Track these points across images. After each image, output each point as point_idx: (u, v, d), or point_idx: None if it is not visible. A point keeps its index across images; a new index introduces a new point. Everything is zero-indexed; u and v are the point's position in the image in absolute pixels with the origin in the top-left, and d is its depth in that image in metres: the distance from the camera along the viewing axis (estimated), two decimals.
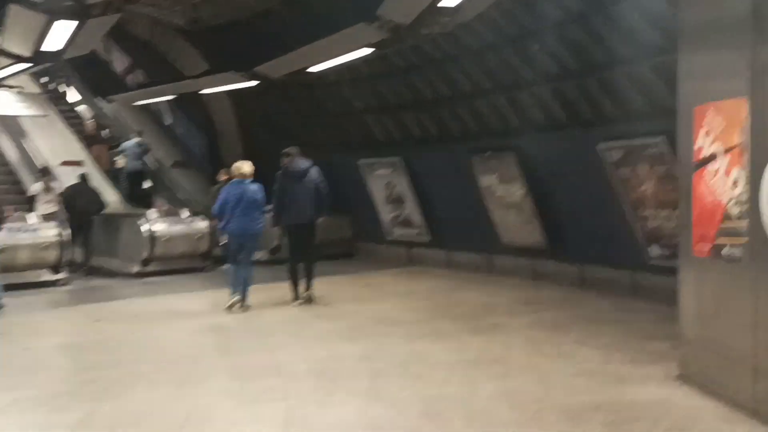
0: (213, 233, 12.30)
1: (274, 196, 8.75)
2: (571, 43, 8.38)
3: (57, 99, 18.30)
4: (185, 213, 12.45)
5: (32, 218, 10.76)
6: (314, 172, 8.88)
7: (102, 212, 12.58)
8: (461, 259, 12.17)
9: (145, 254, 11.64)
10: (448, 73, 10.49)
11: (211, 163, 16.68)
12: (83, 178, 12.82)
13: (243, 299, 8.48)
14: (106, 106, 17.22)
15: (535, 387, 5.26)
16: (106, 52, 16.75)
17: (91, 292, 10.47)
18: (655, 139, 8.04)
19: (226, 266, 9.29)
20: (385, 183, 13.08)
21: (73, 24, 7.69)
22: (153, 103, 18.30)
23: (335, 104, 12.97)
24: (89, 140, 16.43)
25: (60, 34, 8.10)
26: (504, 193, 10.67)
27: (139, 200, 14.79)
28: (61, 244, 10.64)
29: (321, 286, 10.40)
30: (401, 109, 11.80)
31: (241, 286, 8.46)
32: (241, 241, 8.44)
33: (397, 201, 13.05)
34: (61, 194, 12.32)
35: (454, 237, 12.22)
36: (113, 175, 15.46)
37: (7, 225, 10.05)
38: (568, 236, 10.10)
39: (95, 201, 12.45)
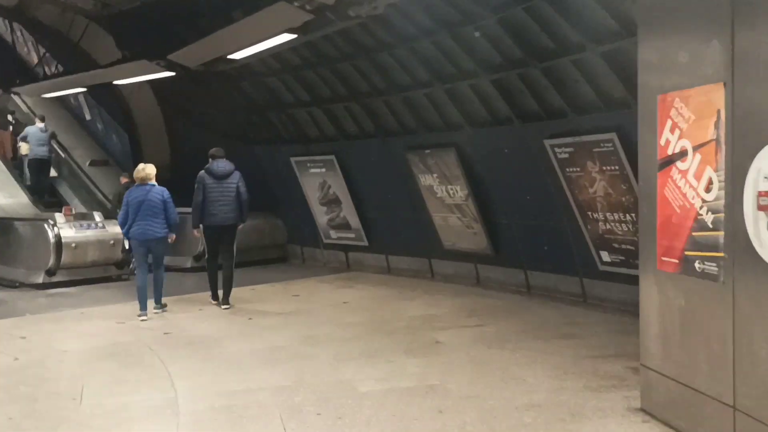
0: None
1: (195, 196, 8.67)
2: (513, 29, 7.64)
3: None
4: (98, 217, 11.27)
5: None
6: (236, 176, 8.83)
7: None
8: (401, 265, 11.38)
9: (50, 263, 10.45)
10: (381, 62, 9.64)
11: (132, 161, 15.48)
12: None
13: (157, 303, 8.51)
14: (14, 100, 15.81)
15: (476, 427, 4.46)
16: (18, 42, 15.36)
17: None
18: (606, 136, 7.38)
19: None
20: (319, 182, 12.16)
21: None
22: (71, 97, 17.05)
23: (263, 97, 11.99)
24: None
25: None
26: (445, 194, 9.90)
27: (43, 192, 14.11)
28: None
29: (245, 295, 9.53)
30: (333, 102, 10.90)
31: (154, 298, 8.40)
32: (146, 246, 8.27)
33: (332, 202, 12.16)
34: None
35: (393, 241, 11.42)
36: (18, 164, 14.39)
37: None
38: (514, 240, 9.40)
39: None
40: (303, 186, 12.45)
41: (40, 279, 10.52)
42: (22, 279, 10.77)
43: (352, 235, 12.12)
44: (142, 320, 8.03)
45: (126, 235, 8.40)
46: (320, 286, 10.49)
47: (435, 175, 9.89)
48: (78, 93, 16.47)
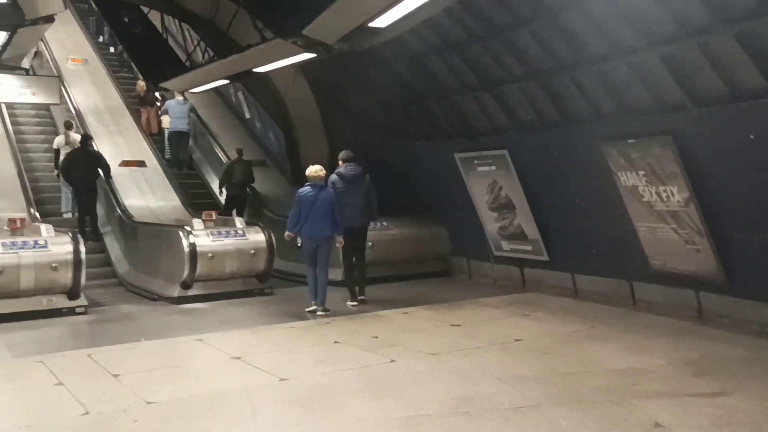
0: (272, 247, 9.90)
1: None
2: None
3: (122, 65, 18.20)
4: (239, 223, 10.08)
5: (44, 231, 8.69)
6: (366, 178, 9.08)
7: (104, 177, 11.98)
8: (591, 287, 9.02)
9: (185, 274, 9.37)
10: (569, 27, 7.41)
11: (289, 160, 14.40)
12: (84, 142, 11.91)
13: (321, 304, 8.49)
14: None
15: None
16: (173, 34, 14.95)
17: (108, 325, 8.25)
18: None
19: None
20: (488, 183, 10.12)
21: None
22: (232, 95, 16.42)
23: (421, 82, 10.15)
24: (139, 101, 15.72)
25: None
26: (655, 198, 7.45)
27: (182, 165, 14.52)
28: (75, 264, 8.50)
29: (393, 321, 7.77)
30: (505, 83, 8.81)
31: (320, 291, 8.49)
32: (315, 244, 8.44)
33: (504, 207, 10.06)
34: (59, 166, 11.89)
35: (582, 256, 9.08)
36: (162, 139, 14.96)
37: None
38: (755, 263, 6.76)
39: (93, 167, 11.69)
40: (469, 187, 10.47)
41: (175, 292, 9.48)
42: (159, 291, 9.83)
43: (529, 248, 9.93)
44: (313, 309, 8.45)
45: (297, 232, 8.41)
46: (487, 313, 8.43)
47: (641, 173, 7.47)
48: (238, 90, 15.89)
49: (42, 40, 17.00)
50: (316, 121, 13.81)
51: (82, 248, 8.58)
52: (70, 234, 8.71)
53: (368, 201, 8.91)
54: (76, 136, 12.48)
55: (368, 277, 10.27)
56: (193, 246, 9.34)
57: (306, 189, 8.45)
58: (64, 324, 8.16)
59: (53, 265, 8.35)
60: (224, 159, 14.42)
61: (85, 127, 13.98)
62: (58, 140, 12.72)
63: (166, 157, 14.62)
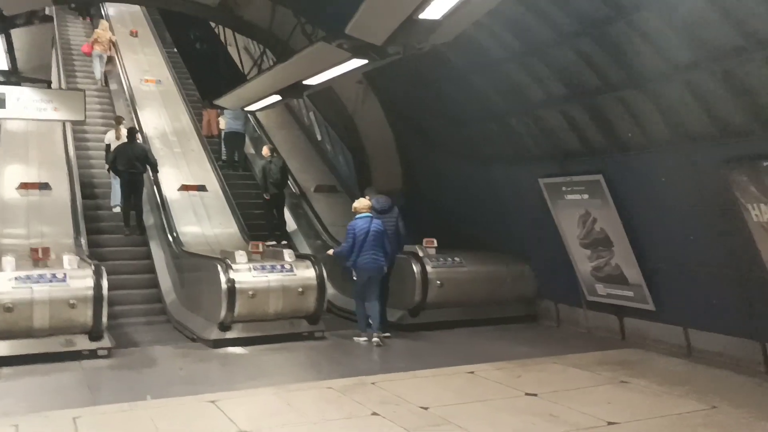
0: (323, 285, 8.62)
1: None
2: None
3: None
4: (288, 256, 8.86)
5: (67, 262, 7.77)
6: (395, 211, 9.14)
7: (151, 172, 11.83)
8: (710, 346, 7.19)
9: (222, 314, 8.21)
10: (686, 18, 5.75)
11: (358, 186, 13.16)
12: (131, 136, 11.76)
13: (378, 332, 8.36)
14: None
15: None
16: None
17: (122, 374, 7.12)
18: None
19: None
20: (579, 214, 8.45)
21: None
22: (305, 115, 15.45)
23: (500, 95, 8.65)
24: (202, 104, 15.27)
25: None
26: None
27: (237, 166, 14.45)
28: (96, 300, 7.50)
29: (450, 387, 6.27)
30: (601, 92, 7.18)
31: (375, 320, 8.37)
32: (368, 275, 8.35)
33: (598, 243, 8.35)
34: (107, 160, 11.82)
35: (697, 307, 7.27)
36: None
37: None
38: None
39: (139, 160, 11.48)
40: (556, 219, 8.83)
41: (212, 334, 8.33)
42: (198, 331, 8.72)
43: (630, 293, 8.17)
44: (363, 341, 8.39)
45: (352, 265, 8.35)
46: (575, 377, 6.75)
47: None
48: (310, 111, 14.90)
49: (118, 59, 16.89)
50: (389, 143, 12.52)
51: (105, 283, 7.57)
52: (93, 267, 7.73)
53: (397, 233, 8.98)
54: (126, 132, 12.24)
55: (435, 321, 9.23)
56: (231, 282, 8.18)
57: (359, 221, 8.39)
58: (76, 370, 7.13)
59: (71, 301, 7.39)
60: (294, 188, 13.40)
61: (153, 146, 13.35)
62: (109, 136, 12.71)
63: (222, 158, 14.47)
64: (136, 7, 19.50)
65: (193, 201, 12.31)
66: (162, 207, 11.63)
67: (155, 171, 11.88)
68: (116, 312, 10.04)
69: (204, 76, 12.02)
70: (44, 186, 11.16)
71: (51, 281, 7.36)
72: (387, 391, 6.14)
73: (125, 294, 10.36)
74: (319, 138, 14.85)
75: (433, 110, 10.17)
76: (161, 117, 15.05)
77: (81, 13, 19.40)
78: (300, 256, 9.04)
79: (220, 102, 10.52)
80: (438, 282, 9.31)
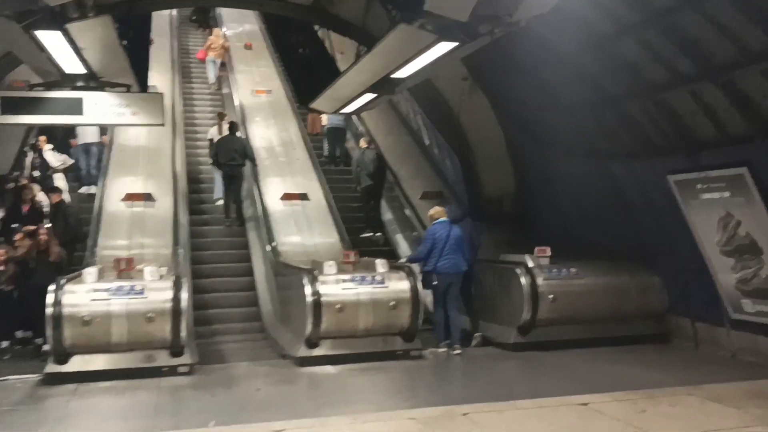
0: (417, 298, 7.82)
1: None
2: None
3: None
4: (381, 267, 8.12)
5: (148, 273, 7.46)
6: (469, 221, 9.06)
7: (251, 166, 11.98)
8: None
9: (308, 329, 7.60)
10: None
11: (467, 191, 12.25)
12: (231, 129, 12.05)
13: (455, 343, 8.09)
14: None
15: None
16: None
17: (196, 395, 6.62)
18: None
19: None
20: (719, 216, 7.11)
21: None
22: (413, 120, 14.75)
23: (614, 76, 7.46)
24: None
25: None
26: None
27: (340, 161, 14.45)
28: (174, 314, 7.11)
29: (562, 421, 5.27)
30: (740, 66, 5.89)
31: (454, 330, 8.15)
32: (449, 281, 8.17)
33: (744, 251, 6.99)
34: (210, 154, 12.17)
35: None
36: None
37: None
38: None
39: (240, 152, 11.72)
40: (690, 222, 7.51)
41: (299, 351, 7.74)
42: (287, 348, 8.19)
43: None
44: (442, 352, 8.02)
45: (433, 270, 8.12)
46: (715, 415, 5.49)
47: None
48: (417, 114, 14.20)
49: (229, 70, 17.03)
50: (498, 144, 11.52)
51: (185, 295, 7.18)
52: (173, 279, 7.37)
53: (471, 243, 8.74)
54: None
55: (547, 340, 8.25)
56: (317, 295, 7.56)
57: (437, 226, 8.27)
58: (152, 389, 6.73)
59: (149, 315, 7.05)
60: (404, 202, 12.76)
61: (258, 156, 13.19)
62: (212, 131, 13.12)
63: (325, 154, 14.62)
64: (252, 22, 19.71)
65: (294, 211, 11.89)
66: (264, 217, 11.31)
67: (254, 164, 12.03)
68: (213, 330, 9.83)
69: (303, 81, 11.61)
70: (148, 197, 11.15)
71: (128, 294, 7.05)
72: (477, 426, 5.23)
73: (223, 312, 10.13)
74: (427, 142, 14.09)
75: (540, 101, 9.10)
76: (269, 127, 14.89)
77: (201, 24, 19.98)
78: (394, 267, 8.28)
79: (315, 105, 10.02)
80: (551, 296, 8.25)
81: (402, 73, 7.39)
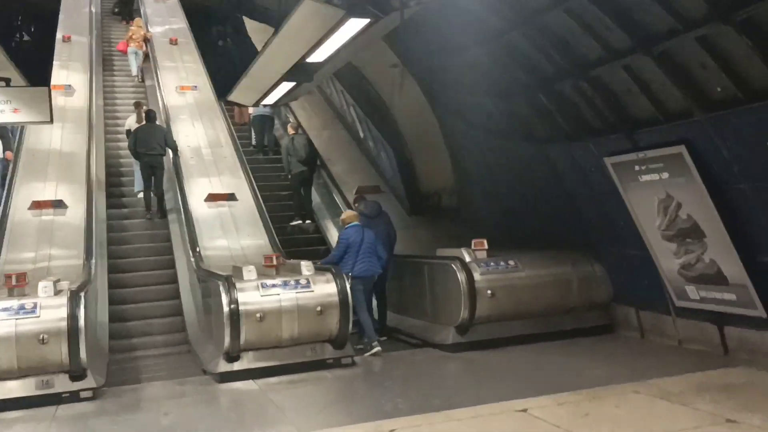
0: (346, 302, 7.23)
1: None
2: None
3: None
4: (306, 269, 7.49)
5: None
6: (386, 216, 9.09)
7: (172, 155, 11.49)
8: None
9: (226, 342, 6.93)
10: None
11: (404, 185, 11.73)
12: (149, 117, 11.56)
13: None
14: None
15: None
16: None
17: (92, 423, 5.86)
18: None
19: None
20: (658, 199, 6.71)
21: None
22: (347, 114, 14.13)
23: (545, 54, 6.98)
24: None
25: None
26: None
27: (268, 150, 14.03)
28: (70, 333, 6.32)
29: (498, 427, 4.75)
30: (676, 35, 5.45)
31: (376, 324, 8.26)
32: (367, 284, 8.09)
33: (686, 234, 6.60)
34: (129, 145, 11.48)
35: None
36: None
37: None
38: None
39: (160, 141, 11.21)
40: (630, 206, 7.10)
41: (218, 366, 7.05)
42: (206, 363, 7.46)
43: (731, 296, 6.38)
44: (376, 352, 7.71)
45: (350, 274, 7.80)
46: (663, 414, 5.06)
47: None
48: (350, 106, 13.58)
49: (154, 68, 16.15)
50: (434, 134, 11.00)
51: (82, 313, 6.40)
52: (69, 293, 6.58)
53: (388, 238, 8.75)
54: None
55: (487, 338, 7.77)
56: (235, 304, 6.87)
57: (351, 231, 8.09)
58: (42, 420, 5.91)
59: (42, 336, 6.25)
60: (341, 203, 12.13)
61: (182, 156, 12.39)
62: (129, 121, 12.57)
63: (252, 143, 14.21)
64: (178, 17, 18.83)
65: (220, 213, 11.13)
66: (186, 220, 10.52)
67: (175, 153, 11.55)
68: (133, 344, 9.04)
69: (224, 74, 10.91)
70: (58, 204, 10.24)
71: (18, 313, 6.25)
72: None
73: (144, 324, 9.34)
74: (361, 135, 13.49)
75: (473, 85, 8.59)
76: (194, 125, 14.06)
77: (124, 17, 19.46)
78: (320, 269, 7.65)
79: (233, 98, 9.34)
80: (489, 291, 7.76)
81: (317, 56, 6.76)
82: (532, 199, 9.04)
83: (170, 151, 11.61)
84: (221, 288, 6.98)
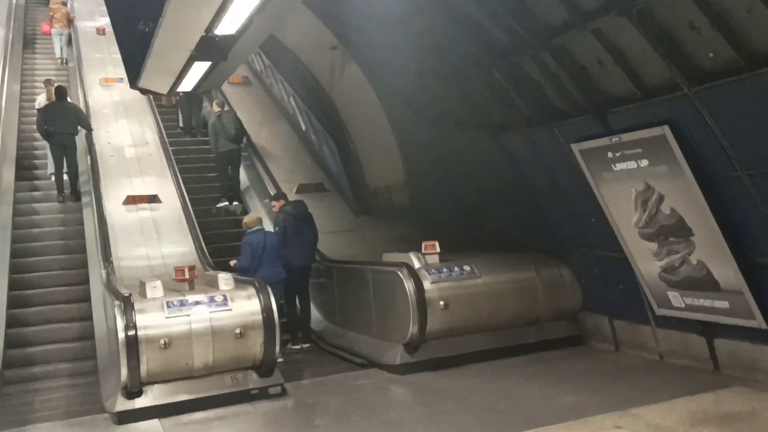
0: (272, 321, 6.05)
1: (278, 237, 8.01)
2: None
3: None
4: (223, 283, 6.29)
5: None
6: (310, 215, 8.62)
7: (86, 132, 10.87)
8: None
9: (123, 376, 5.69)
10: None
11: (349, 182, 10.60)
12: (60, 94, 10.75)
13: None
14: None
15: None
16: None
17: None
18: None
19: None
20: (635, 191, 5.70)
21: None
22: (288, 104, 12.92)
23: (499, 25, 5.89)
24: None
25: None
26: None
27: (195, 132, 13.10)
28: None
29: None
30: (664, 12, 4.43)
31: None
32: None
33: (669, 231, 5.60)
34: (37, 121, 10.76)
35: None
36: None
37: None
38: None
39: (70, 120, 10.56)
40: (602, 200, 6.08)
41: (116, 404, 5.82)
42: (104, 399, 6.22)
43: (723, 304, 5.41)
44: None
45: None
46: None
47: None
48: (290, 95, 12.39)
49: (78, 58, 14.87)
50: (380, 124, 9.88)
51: None
52: None
53: (315, 239, 8.55)
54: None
55: (441, 356, 6.74)
56: (132, 328, 5.64)
57: (254, 236, 7.84)
58: None
59: None
60: (271, 191, 10.96)
61: (101, 155, 11.08)
62: (39, 99, 11.73)
63: (180, 125, 13.34)
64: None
65: (141, 217, 9.84)
66: (100, 228, 9.21)
67: (89, 130, 10.96)
68: (36, 373, 7.71)
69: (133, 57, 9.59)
70: None
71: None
72: None
73: (49, 350, 7.99)
74: (303, 128, 12.30)
75: (418, 64, 7.48)
76: (118, 119, 12.72)
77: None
78: (243, 282, 6.47)
79: (143, 84, 8.03)
80: (441, 303, 6.68)
81: (226, 27, 5.56)
82: (490, 194, 8.02)
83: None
84: (116, 310, 5.75)
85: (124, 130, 12.29)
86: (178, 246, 9.28)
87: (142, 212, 9.94)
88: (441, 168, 9.04)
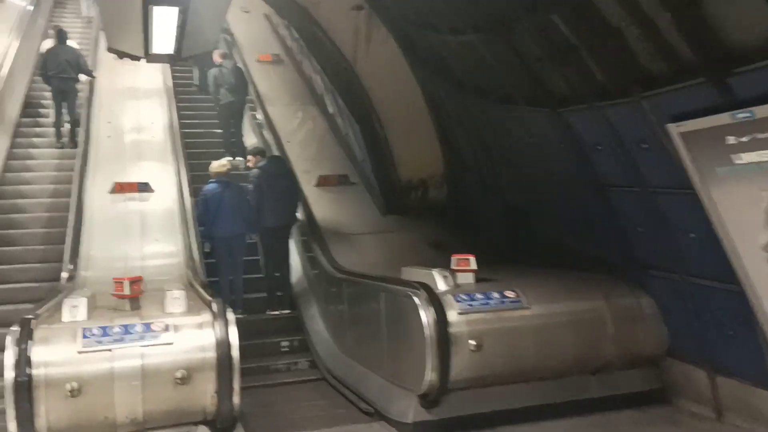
0: (230, 360, 4.34)
1: (253, 197, 7.75)
2: None
3: None
4: (173, 304, 4.61)
5: None
6: (294, 173, 8.59)
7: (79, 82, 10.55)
8: None
9: (13, 429, 4.07)
10: None
11: (374, 171, 8.84)
12: (60, 37, 10.66)
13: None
14: None
15: None
16: None
17: None
18: None
19: None
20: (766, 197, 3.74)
21: None
22: (314, 83, 11.27)
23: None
24: None
25: None
26: None
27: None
28: None
29: None
30: None
31: (238, 299, 7.54)
32: (228, 245, 7.60)
33: None
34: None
35: None
36: None
37: None
38: None
39: (73, 64, 10.44)
40: (711, 207, 4.12)
41: None
42: None
43: None
44: None
45: (206, 235, 7.51)
46: None
47: None
48: (318, 74, 10.73)
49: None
50: (415, 103, 8.10)
51: None
52: None
53: (294, 198, 8.23)
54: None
55: (469, 414, 5.06)
56: (26, 366, 4.01)
57: (211, 186, 7.58)
58: None
59: None
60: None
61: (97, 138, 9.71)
62: (44, 43, 11.67)
63: (195, 82, 12.65)
64: None
65: (128, 209, 8.27)
66: (74, 220, 7.73)
67: (91, 77, 10.61)
68: None
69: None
70: None
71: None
72: None
73: None
74: (330, 111, 10.60)
75: (453, 15, 5.62)
76: (123, 92, 11.33)
77: None
78: (201, 303, 4.77)
79: (113, 45, 6.45)
80: (472, 342, 4.83)
81: None
82: (546, 192, 6.14)
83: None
84: (9, 339, 4.13)
85: (128, 102, 10.91)
86: (164, 245, 7.68)
87: (130, 203, 8.42)
88: (485, 158, 7.20)
